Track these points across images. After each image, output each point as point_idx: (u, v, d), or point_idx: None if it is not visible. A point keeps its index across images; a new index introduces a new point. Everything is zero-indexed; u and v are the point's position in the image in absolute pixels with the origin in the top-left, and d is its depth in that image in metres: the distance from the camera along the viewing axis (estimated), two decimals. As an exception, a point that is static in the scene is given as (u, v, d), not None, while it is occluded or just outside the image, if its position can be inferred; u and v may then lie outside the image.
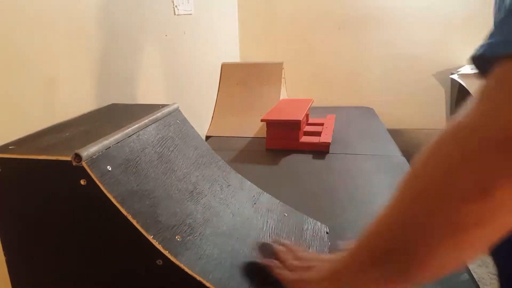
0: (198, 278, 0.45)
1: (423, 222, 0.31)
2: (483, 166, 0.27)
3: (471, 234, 0.29)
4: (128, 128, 0.58)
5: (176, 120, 0.72)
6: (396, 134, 1.35)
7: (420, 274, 0.33)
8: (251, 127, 1.40)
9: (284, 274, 0.50)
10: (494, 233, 0.29)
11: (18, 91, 0.62)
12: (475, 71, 0.33)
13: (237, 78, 1.53)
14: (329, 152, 1.17)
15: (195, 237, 0.52)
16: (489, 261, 1.65)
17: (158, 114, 0.67)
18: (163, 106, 0.73)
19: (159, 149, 0.61)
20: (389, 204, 0.35)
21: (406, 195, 0.34)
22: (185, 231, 0.51)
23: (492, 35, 0.32)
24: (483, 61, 0.31)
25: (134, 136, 0.58)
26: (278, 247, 0.57)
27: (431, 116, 1.87)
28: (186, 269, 0.45)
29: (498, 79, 0.28)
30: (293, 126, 1.19)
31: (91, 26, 0.78)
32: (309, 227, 0.72)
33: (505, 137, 0.25)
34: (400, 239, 0.33)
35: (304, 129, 1.29)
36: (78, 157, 0.45)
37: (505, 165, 0.26)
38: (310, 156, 1.15)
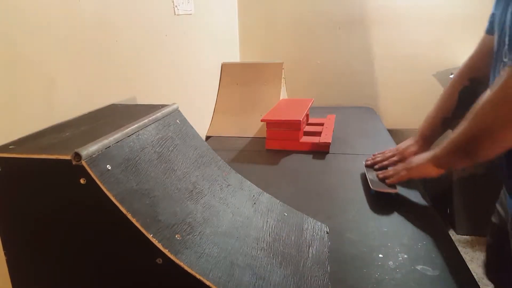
0: (198, 276, 0.45)
1: (487, 128, 0.63)
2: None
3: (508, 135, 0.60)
4: (128, 127, 0.58)
5: (175, 120, 0.72)
6: (396, 134, 1.35)
7: (482, 155, 0.66)
8: (251, 127, 1.40)
9: (395, 174, 0.85)
10: None
11: (18, 91, 0.62)
12: None
13: (237, 78, 1.53)
14: (329, 152, 1.17)
15: (195, 236, 0.52)
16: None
17: (158, 114, 0.67)
18: (163, 106, 0.73)
19: (159, 149, 0.61)
20: (464, 124, 0.68)
21: (475, 120, 0.65)
22: (185, 230, 0.51)
23: None
24: None
25: (133, 136, 0.58)
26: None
27: (431, 116, 1.87)
28: (186, 268, 0.45)
29: None
30: (293, 126, 1.19)
31: (91, 26, 0.78)
32: (309, 227, 0.72)
33: None
34: (474, 135, 0.66)
35: (304, 129, 1.29)
36: (78, 156, 0.45)
37: None
38: (310, 156, 1.15)
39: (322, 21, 1.81)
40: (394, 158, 0.94)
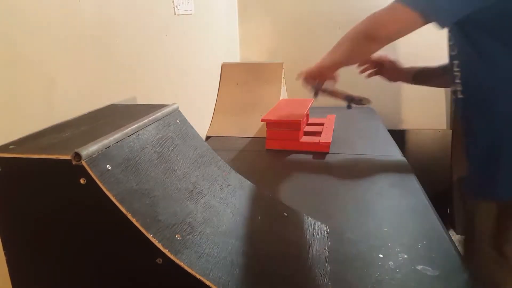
0: (198, 276, 0.45)
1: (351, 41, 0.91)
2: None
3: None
4: (128, 127, 0.58)
5: (176, 120, 0.72)
6: (396, 134, 1.35)
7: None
8: (251, 127, 1.40)
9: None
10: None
11: (18, 91, 0.62)
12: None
13: (237, 78, 1.53)
14: (329, 152, 1.17)
15: (195, 236, 0.52)
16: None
17: (158, 114, 0.67)
18: (163, 106, 0.73)
19: (159, 149, 0.61)
20: (339, 42, 0.97)
21: (344, 40, 0.93)
22: (185, 230, 0.51)
23: None
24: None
25: (133, 136, 0.58)
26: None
27: (431, 116, 1.87)
28: (186, 268, 0.45)
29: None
30: (293, 126, 1.19)
31: (91, 26, 0.78)
32: (309, 227, 0.72)
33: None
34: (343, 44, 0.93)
35: (304, 129, 1.29)
36: (77, 156, 0.45)
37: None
38: (310, 156, 1.15)
39: (322, 21, 1.81)
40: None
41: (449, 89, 0.95)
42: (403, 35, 0.80)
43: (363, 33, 0.87)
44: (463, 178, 0.84)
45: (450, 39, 0.83)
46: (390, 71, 1.17)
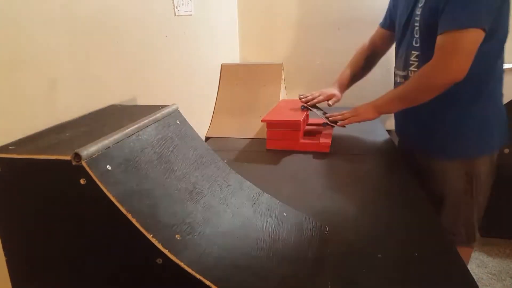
0: (198, 276, 0.45)
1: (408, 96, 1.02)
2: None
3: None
4: (128, 128, 0.58)
5: (175, 121, 0.72)
6: (395, 135, 1.36)
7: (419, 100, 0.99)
8: (251, 128, 1.40)
9: (342, 116, 1.17)
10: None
11: (19, 92, 0.62)
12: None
13: (237, 78, 1.53)
14: (329, 152, 1.17)
15: (195, 236, 0.52)
16: (488, 261, 1.65)
17: (158, 114, 0.68)
18: (163, 107, 0.73)
19: (159, 149, 0.62)
20: (409, 81, 1.00)
21: (419, 78, 0.97)
22: (185, 230, 0.51)
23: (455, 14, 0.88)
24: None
25: (133, 136, 0.58)
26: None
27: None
28: (186, 268, 0.45)
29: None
30: (293, 127, 1.19)
31: (91, 26, 0.78)
32: (309, 227, 0.72)
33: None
34: (416, 88, 0.99)
35: (304, 130, 1.29)
36: (77, 156, 0.45)
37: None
38: (310, 156, 1.15)
39: (321, 21, 1.81)
40: (321, 98, 1.27)
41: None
42: (472, 57, 0.87)
43: (429, 89, 0.95)
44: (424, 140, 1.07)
45: (416, 33, 0.99)
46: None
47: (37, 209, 0.51)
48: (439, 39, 0.89)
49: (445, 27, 0.88)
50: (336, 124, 1.19)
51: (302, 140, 1.21)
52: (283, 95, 1.53)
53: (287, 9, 1.83)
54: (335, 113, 1.21)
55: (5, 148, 0.52)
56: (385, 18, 1.23)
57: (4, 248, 0.53)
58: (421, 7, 0.96)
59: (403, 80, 1.06)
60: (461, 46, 0.86)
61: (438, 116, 1.01)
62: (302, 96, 1.31)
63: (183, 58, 1.24)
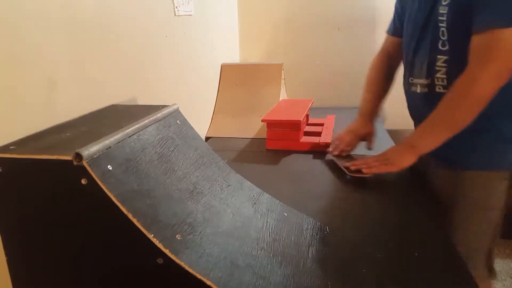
0: (199, 276, 0.45)
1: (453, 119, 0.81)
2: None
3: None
4: (129, 128, 0.58)
5: (176, 121, 0.72)
6: (395, 135, 1.35)
7: (462, 120, 0.79)
8: (251, 128, 1.40)
9: (370, 167, 0.92)
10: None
11: (20, 92, 0.62)
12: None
13: (237, 79, 1.53)
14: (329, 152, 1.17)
15: (196, 236, 0.52)
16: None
17: (158, 114, 0.68)
18: (163, 107, 0.73)
19: (160, 149, 0.62)
20: (445, 101, 0.81)
21: (457, 93, 0.80)
22: (186, 230, 0.51)
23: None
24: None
25: (134, 136, 0.58)
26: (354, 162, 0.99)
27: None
28: (187, 268, 0.45)
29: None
30: (293, 127, 1.19)
31: (91, 27, 0.78)
32: (309, 227, 0.72)
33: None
34: (456, 105, 0.80)
35: (304, 129, 1.29)
36: (79, 156, 0.45)
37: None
38: (310, 156, 1.16)
39: (321, 22, 1.81)
40: (354, 142, 1.10)
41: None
42: None
43: (476, 99, 0.78)
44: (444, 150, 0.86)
45: (442, 35, 0.84)
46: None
47: (38, 209, 0.51)
48: (478, 39, 0.76)
49: (485, 25, 0.75)
50: (360, 174, 0.94)
51: (302, 140, 1.21)
52: (283, 95, 1.53)
53: (287, 9, 1.83)
54: (357, 161, 0.99)
55: (6, 148, 0.52)
56: (393, 24, 1.07)
57: (4, 248, 0.53)
58: (446, 4, 0.82)
59: (426, 89, 0.89)
60: (506, 46, 0.74)
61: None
62: (332, 150, 1.10)
63: (183, 58, 1.24)
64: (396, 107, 1.87)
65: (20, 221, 0.52)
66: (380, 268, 0.63)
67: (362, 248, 0.68)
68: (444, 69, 0.85)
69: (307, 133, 1.28)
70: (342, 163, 1.02)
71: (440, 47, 0.85)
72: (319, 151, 1.18)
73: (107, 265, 0.51)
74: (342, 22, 1.80)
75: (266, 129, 1.23)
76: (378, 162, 0.92)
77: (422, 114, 0.86)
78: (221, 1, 1.64)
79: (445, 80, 0.85)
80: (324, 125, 1.35)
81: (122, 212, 0.46)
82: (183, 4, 1.20)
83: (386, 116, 1.78)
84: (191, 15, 1.27)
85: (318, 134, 1.26)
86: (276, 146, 1.22)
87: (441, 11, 0.83)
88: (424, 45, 0.89)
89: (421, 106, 0.92)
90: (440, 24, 0.84)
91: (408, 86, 0.98)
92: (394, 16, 1.07)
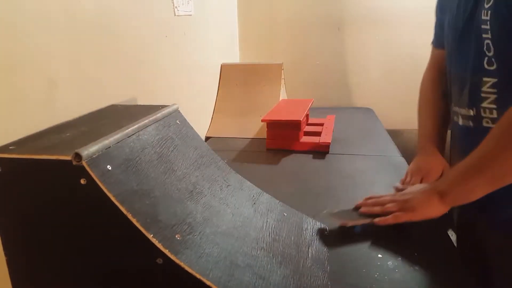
0: (198, 276, 0.45)
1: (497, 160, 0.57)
2: None
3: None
4: (128, 128, 0.58)
5: (176, 121, 0.72)
6: (395, 135, 1.36)
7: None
8: (251, 128, 1.40)
9: (382, 209, 0.70)
10: None
11: (19, 92, 0.62)
12: None
13: (237, 79, 1.53)
14: (329, 152, 1.17)
15: (195, 236, 0.52)
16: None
17: (158, 114, 0.68)
18: (163, 106, 0.73)
19: (159, 149, 0.62)
20: (489, 141, 0.58)
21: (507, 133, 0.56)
22: (185, 230, 0.51)
23: None
24: None
25: (134, 136, 0.58)
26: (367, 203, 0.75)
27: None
28: (186, 268, 0.45)
29: None
30: (293, 126, 1.19)
31: (91, 27, 0.78)
32: (309, 227, 0.72)
33: None
34: (484, 168, 0.58)
35: (304, 129, 1.29)
36: (78, 156, 0.45)
37: None
38: (310, 156, 1.16)
39: (321, 21, 1.81)
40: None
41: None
42: None
43: None
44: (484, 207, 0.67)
45: (488, 49, 0.62)
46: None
47: (38, 209, 0.51)
48: None
49: None
50: (373, 221, 0.71)
51: (302, 140, 1.21)
52: (283, 95, 1.53)
53: (287, 9, 1.83)
54: (369, 201, 0.76)
55: (5, 148, 0.52)
56: (437, 34, 0.88)
57: (4, 248, 0.53)
58: (489, 7, 0.60)
59: (470, 123, 0.67)
60: None
61: None
62: (399, 186, 0.82)
63: (183, 58, 1.24)
64: (396, 107, 1.88)
65: (20, 221, 0.52)
66: (380, 268, 0.63)
67: (362, 248, 0.68)
68: (493, 96, 0.63)
69: (307, 133, 1.28)
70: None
71: (486, 66, 0.63)
72: (319, 151, 1.18)
73: (107, 265, 0.51)
74: (342, 22, 1.80)
75: (266, 129, 1.23)
76: (397, 207, 0.69)
77: (465, 153, 0.62)
78: (221, 1, 1.64)
79: (494, 112, 0.63)
80: (324, 125, 1.35)
81: (122, 212, 0.46)
82: (183, 4, 1.20)
83: (387, 116, 1.78)
84: (191, 15, 1.27)
85: (318, 134, 1.26)
86: (276, 146, 1.22)
87: (483, 17, 0.61)
88: (464, 63, 0.67)
89: (463, 143, 0.71)
90: (484, 35, 0.61)
91: (451, 112, 0.76)
92: (436, 24, 0.87)
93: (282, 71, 1.52)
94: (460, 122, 0.69)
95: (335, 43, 1.83)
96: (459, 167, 0.62)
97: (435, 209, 0.65)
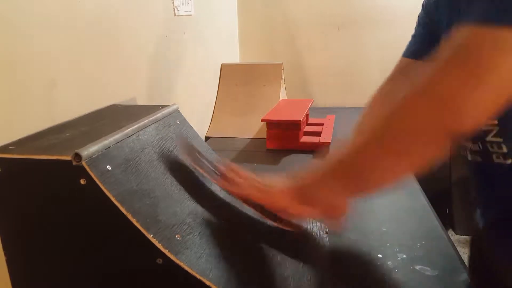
0: (198, 276, 0.45)
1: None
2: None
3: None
4: (128, 128, 0.58)
5: (175, 121, 0.72)
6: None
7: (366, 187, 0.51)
8: (251, 128, 1.40)
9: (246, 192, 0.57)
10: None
11: (19, 92, 0.62)
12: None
13: (237, 78, 1.53)
14: (329, 152, 1.17)
15: (195, 236, 0.52)
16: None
17: (158, 114, 0.68)
18: (163, 106, 0.73)
19: (159, 149, 0.62)
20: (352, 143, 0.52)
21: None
22: (185, 230, 0.51)
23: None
24: None
25: (134, 136, 0.58)
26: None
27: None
28: (186, 268, 0.45)
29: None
30: (293, 126, 1.19)
31: (91, 26, 0.78)
32: (308, 227, 0.72)
33: None
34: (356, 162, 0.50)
35: (304, 129, 1.29)
36: (78, 156, 0.45)
37: None
38: (310, 156, 1.15)
39: (321, 21, 1.81)
40: None
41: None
42: None
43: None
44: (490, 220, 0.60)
45: None
46: None
47: (37, 209, 0.51)
48: None
49: None
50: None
51: (302, 140, 1.21)
52: (283, 95, 1.53)
53: (287, 9, 1.83)
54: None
55: (5, 148, 0.52)
56: (422, 46, 0.72)
57: (4, 248, 0.53)
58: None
59: (479, 158, 0.56)
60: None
61: None
62: None
63: (183, 58, 1.24)
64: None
65: (19, 221, 0.52)
66: (380, 268, 0.63)
67: (362, 248, 0.68)
68: (495, 129, 0.52)
69: (307, 133, 1.28)
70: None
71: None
72: (319, 151, 1.18)
73: (107, 265, 0.51)
74: (342, 22, 1.80)
75: (266, 129, 1.23)
76: (259, 195, 0.55)
77: (479, 193, 0.56)
78: (221, 1, 1.64)
79: (502, 146, 0.52)
80: (324, 125, 1.35)
81: (122, 212, 0.46)
82: (183, 4, 1.20)
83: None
84: (191, 15, 1.27)
85: (318, 134, 1.26)
86: (276, 146, 1.22)
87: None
88: None
89: (475, 181, 0.61)
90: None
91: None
92: (418, 34, 0.75)
93: (282, 71, 1.52)
94: (469, 157, 0.59)
95: (335, 43, 1.83)
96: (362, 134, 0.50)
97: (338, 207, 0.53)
